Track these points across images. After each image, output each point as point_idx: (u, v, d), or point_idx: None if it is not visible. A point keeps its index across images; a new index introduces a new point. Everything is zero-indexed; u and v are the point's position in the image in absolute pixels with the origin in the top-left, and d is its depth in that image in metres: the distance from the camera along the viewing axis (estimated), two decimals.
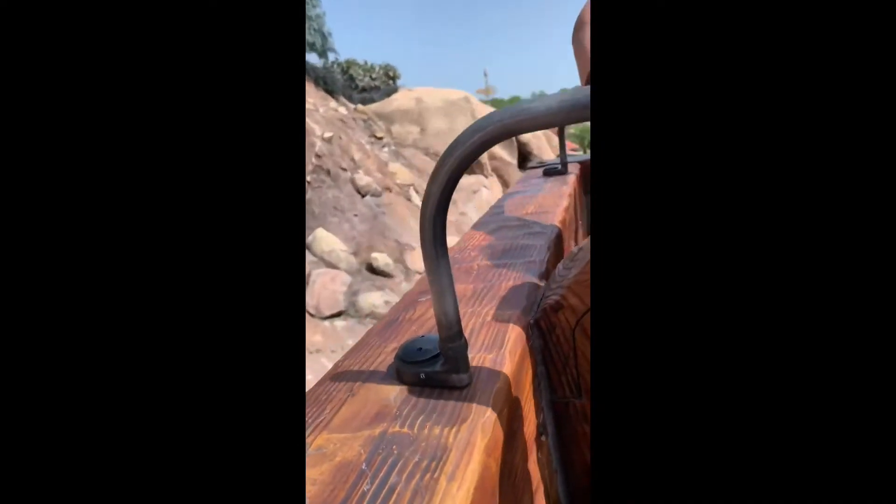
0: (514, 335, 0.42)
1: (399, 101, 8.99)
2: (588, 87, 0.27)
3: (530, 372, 0.43)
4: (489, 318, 0.45)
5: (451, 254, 0.69)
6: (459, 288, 0.53)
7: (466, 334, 0.41)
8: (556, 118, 0.28)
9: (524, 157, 8.97)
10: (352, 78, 9.79)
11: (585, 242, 0.48)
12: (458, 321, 0.35)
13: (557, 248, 0.69)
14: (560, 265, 0.50)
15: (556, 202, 0.93)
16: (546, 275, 0.57)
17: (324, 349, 4.18)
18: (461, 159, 0.30)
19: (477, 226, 0.85)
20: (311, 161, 6.06)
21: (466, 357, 0.35)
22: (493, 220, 0.86)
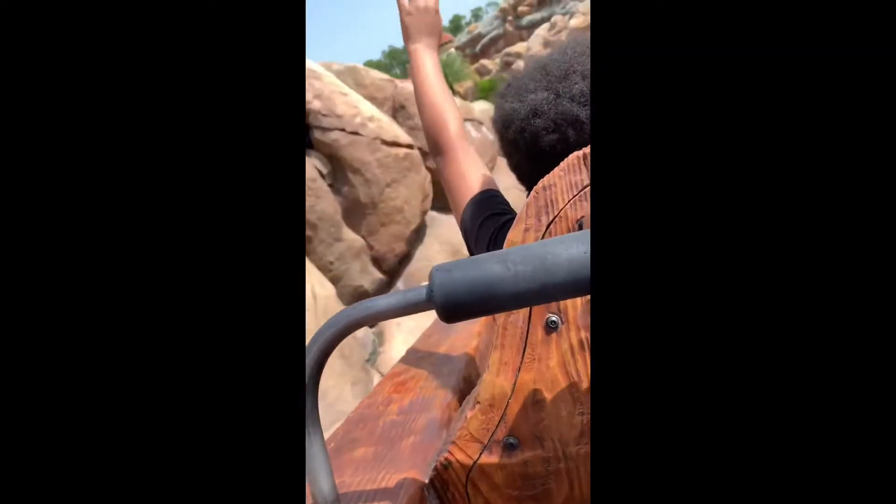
0: (408, 499, 0.43)
1: None
2: (423, 287, 0.31)
3: None
4: (385, 483, 0.46)
5: (360, 409, 0.70)
6: (360, 452, 0.54)
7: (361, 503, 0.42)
8: (397, 313, 0.32)
9: None
10: None
11: (476, 390, 0.51)
12: (336, 499, 0.36)
13: (460, 396, 0.72)
14: (453, 420, 0.53)
15: (465, 342, 0.96)
16: (447, 424, 0.59)
17: None
18: (319, 354, 0.33)
19: (395, 366, 0.87)
20: None
21: None
22: (410, 357, 0.89)
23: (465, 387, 0.75)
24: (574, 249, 0.28)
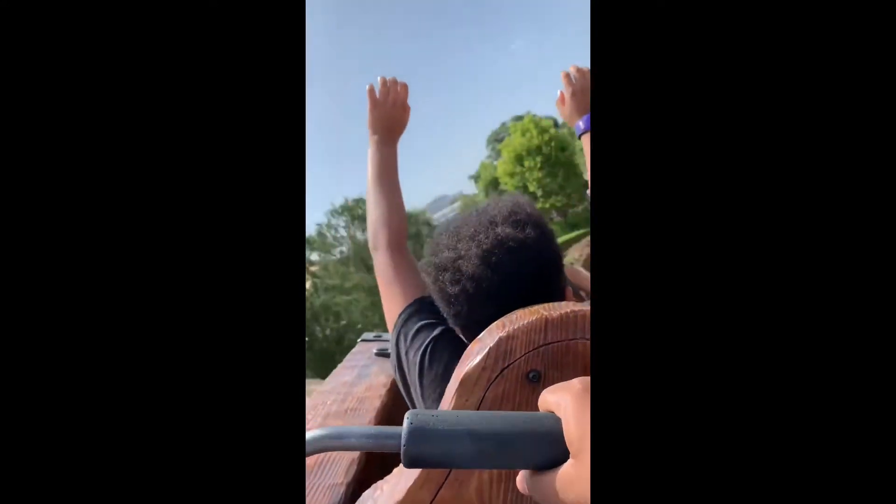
0: None
1: None
2: (398, 434, 0.32)
3: None
4: None
5: None
6: None
7: None
8: (369, 448, 0.35)
9: None
10: None
11: (386, 486, 0.53)
12: None
13: (364, 466, 0.73)
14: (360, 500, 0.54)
15: (375, 395, 0.98)
16: (351, 501, 0.61)
17: None
18: None
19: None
20: None
21: None
22: (320, 409, 0.90)
23: (369, 458, 0.77)
24: (530, 436, 0.32)
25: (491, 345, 0.46)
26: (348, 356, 1.28)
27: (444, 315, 0.65)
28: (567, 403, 0.31)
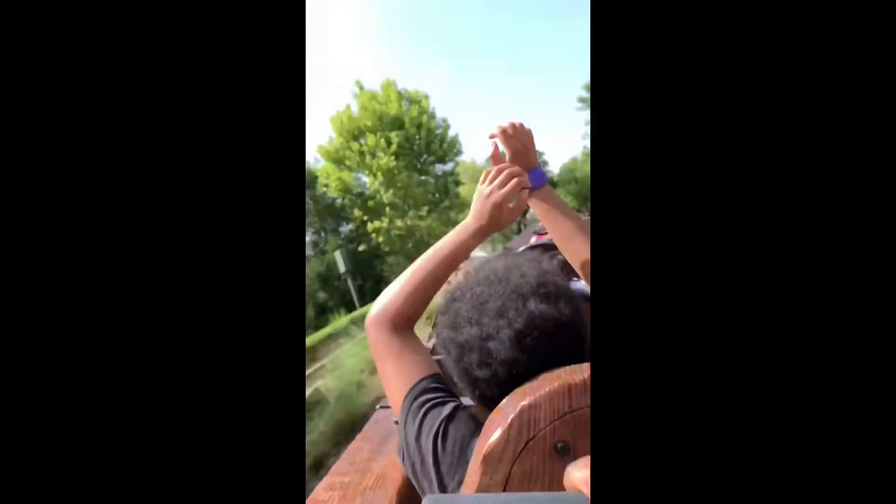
0: None
1: None
2: None
3: None
4: None
5: None
6: None
7: None
8: None
9: None
10: None
11: None
12: None
13: None
14: None
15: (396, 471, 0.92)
16: None
17: None
18: None
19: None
20: None
21: None
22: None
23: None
24: None
25: (513, 415, 0.43)
26: (367, 426, 1.18)
27: (467, 396, 0.59)
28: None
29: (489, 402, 0.56)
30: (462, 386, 0.60)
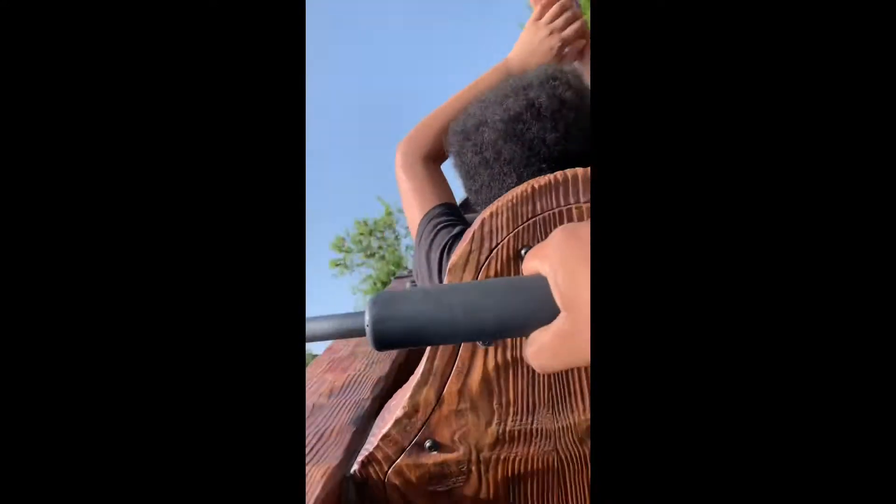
0: (326, 492, 0.46)
1: None
2: (361, 316, 0.32)
3: None
4: (308, 473, 0.49)
5: None
6: None
7: None
8: (333, 336, 0.34)
9: None
10: None
11: (402, 395, 0.54)
12: None
13: (392, 385, 0.75)
14: (380, 413, 0.55)
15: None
16: (375, 415, 0.62)
17: None
18: None
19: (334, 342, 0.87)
20: None
21: None
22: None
23: (399, 375, 0.78)
24: (509, 299, 0.28)
25: (476, 227, 0.42)
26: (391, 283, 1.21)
27: (467, 193, 0.61)
28: (550, 256, 0.27)
29: (483, 198, 0.57)
30: (462, 181, 0.61)
